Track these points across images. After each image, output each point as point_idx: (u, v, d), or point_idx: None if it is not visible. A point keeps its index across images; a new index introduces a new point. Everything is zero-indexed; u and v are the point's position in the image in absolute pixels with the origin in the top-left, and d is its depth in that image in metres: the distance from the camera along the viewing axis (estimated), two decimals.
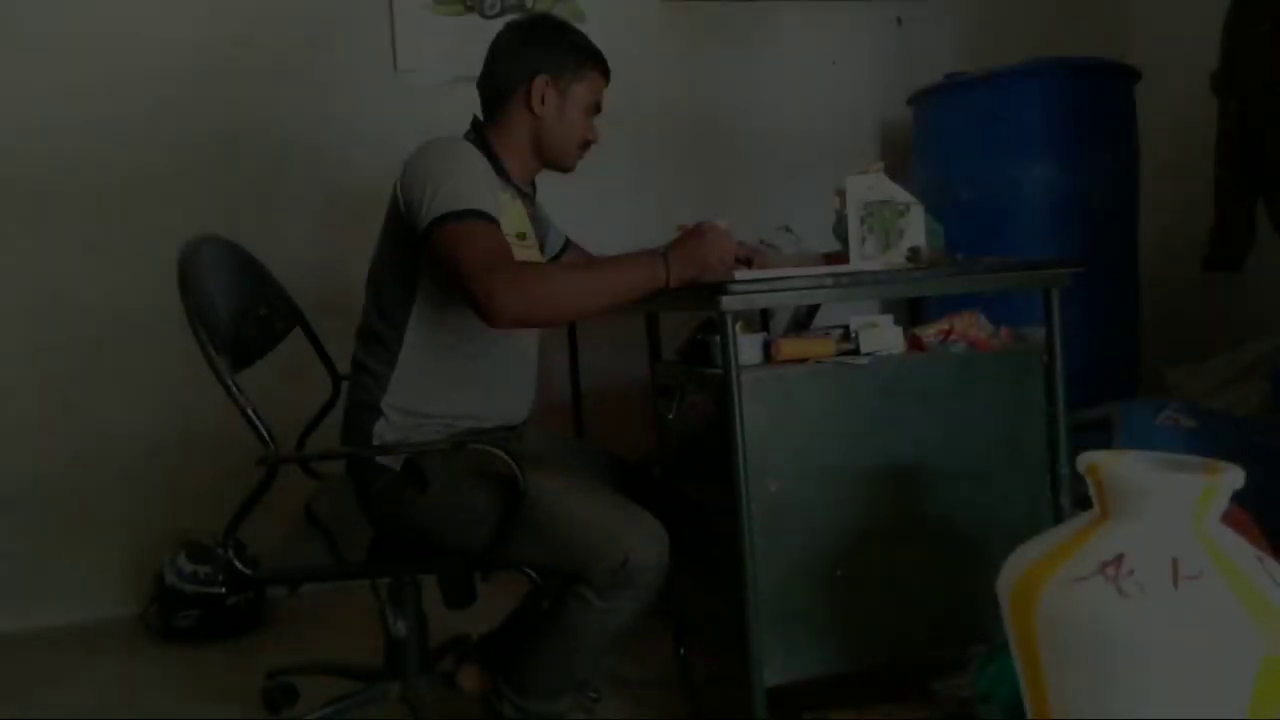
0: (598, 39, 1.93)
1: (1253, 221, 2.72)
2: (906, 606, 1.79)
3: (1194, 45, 2.90)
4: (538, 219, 1.95)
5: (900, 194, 1.85)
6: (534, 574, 1.66)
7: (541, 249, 1.96)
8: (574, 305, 1.69)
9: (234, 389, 1.62)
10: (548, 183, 2.02)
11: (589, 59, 1.89)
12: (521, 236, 1.79)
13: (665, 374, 2.12)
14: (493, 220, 1.64)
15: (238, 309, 1.80)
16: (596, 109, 1.93)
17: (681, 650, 2.21)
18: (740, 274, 1.69)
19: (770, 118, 3.52)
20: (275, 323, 2.01)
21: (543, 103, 1.84)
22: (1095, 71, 3.03)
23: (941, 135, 3.15)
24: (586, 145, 1.93)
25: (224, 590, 2.74)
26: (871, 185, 1.87)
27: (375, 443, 1.75)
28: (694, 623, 2.14)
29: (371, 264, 1.84)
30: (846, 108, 3.60)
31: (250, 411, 1.61)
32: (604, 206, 3.14)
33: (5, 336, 2.96)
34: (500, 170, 1.82)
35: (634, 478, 2.00)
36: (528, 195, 1.92)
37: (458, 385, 1.79)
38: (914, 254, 1.80)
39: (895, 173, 1.97)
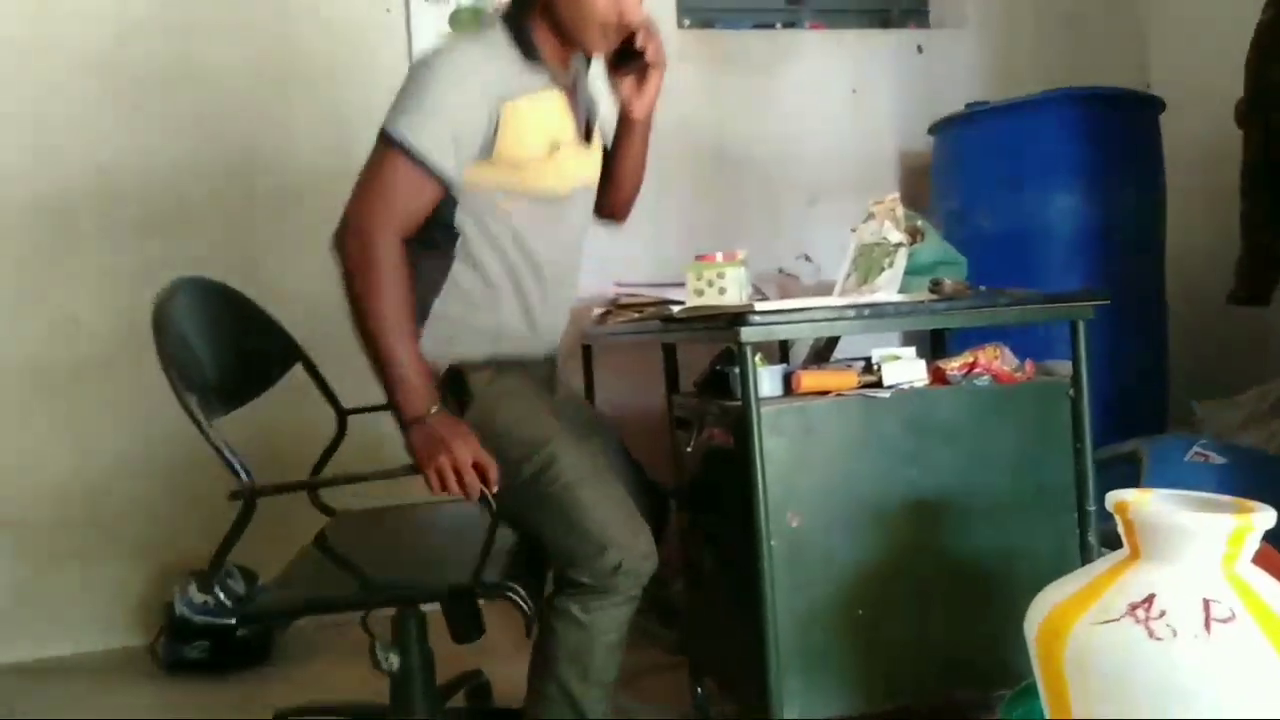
0: None
1: None
2: (931, 646, 1.75)
3: (1217, 76, 2.87)
4: (583, 105, 1.82)
5: (895, 234, 1.86)
6: (522, 600, 1.62)
7: (588, 136, 1.83)
8: (366, 309, 1.58)
9: (204, 424, 1.57)
10: None
11: None
12: (555, 146, 1.70)
13: (683, 406, 2.10)
14: (420, 162, 1.59)
15: (227, 348, 1.80)
16: None
17: (699, 690, 2.17)
18: (761, 305, 1.66)
19: (790, 146, 3.50)
20: (273, 361, 2.01)
21: None
22: (1119, 101, 3.00)
23: (963, 165, 3.13)
24: (616, 28, 1.70)
25: (234, 622, 2.71)
26: (875, 230, 1.90)
27: (425, 339, 1.70)
28: (712, 662, 2.10)
29: None
30: (866, 136, 3.58)
31: (223, 446, 1.57)
32: (622, 232, 3.13)
33: (20, 362, 2.97)
34: (533, 53, 1.70)
35: (633, 469, 1.97)
36: (564, 83, 1.75)
37: (506, 294, 1.74)
38: (936, 285, 1.78)
39: (915, 203, 1.96)
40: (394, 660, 1.80)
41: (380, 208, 1.58)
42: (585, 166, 1.81)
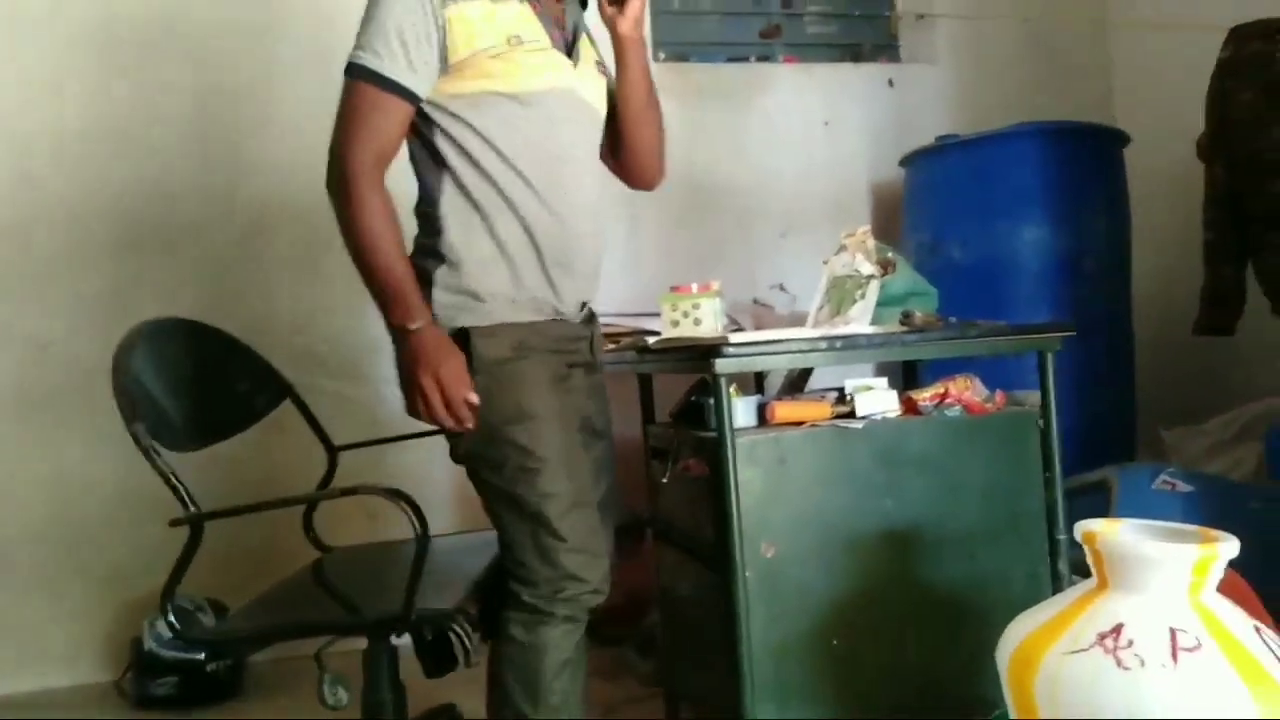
0: None
1: (1243, 286, 2.73)
2: (904, 675, 1.76)
3: (1179, 111, 2.93)
4: (561, 22, 1.76)
5: (866, 266, 1.89)
6: (461, 632, 1.61)
7: (570, 50, 1.75)
8: (357, 243, 1.59)
9: (149, 451, 1.62)
10: None
11: None
12: (514, 42, 1.64)
13: (658, 436, 2.11)
14: (378, 82, 1.59)
15: (194, 384, 1.82)
16: None
17: None
18: (735, 337, 1.67)
19: (764, 178, 3.53)
20: (256, 397, 2.01)
21: None
22: (1085, 135, 3.06)
23: (933, 196, 3.17)
24: None
25: (203, 657, 2.67)
26: (846, 262, 1.92)
27: (437, 290, 1.65)
28: (688, 692, 2.10)
29: None
30: (839, 169, 3.62)
31: (169, 474, 1.61)
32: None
33: None
34: None
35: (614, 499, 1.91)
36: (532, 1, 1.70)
37: (497, 213, 1.66)
38: (907, 317, 1.81)
39: (887, 234, 1.99)
40: (342, 695, 1.77)
41: (352, 135, 1.60)
42: (561, 70, 1.72)
